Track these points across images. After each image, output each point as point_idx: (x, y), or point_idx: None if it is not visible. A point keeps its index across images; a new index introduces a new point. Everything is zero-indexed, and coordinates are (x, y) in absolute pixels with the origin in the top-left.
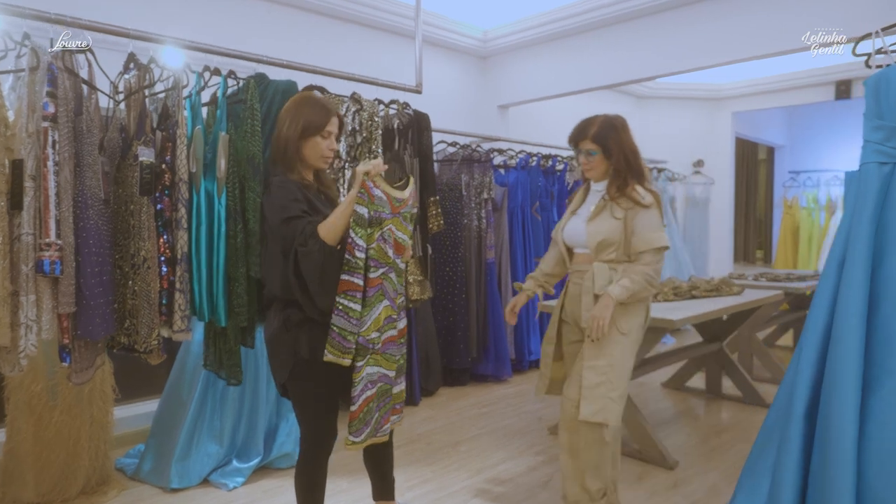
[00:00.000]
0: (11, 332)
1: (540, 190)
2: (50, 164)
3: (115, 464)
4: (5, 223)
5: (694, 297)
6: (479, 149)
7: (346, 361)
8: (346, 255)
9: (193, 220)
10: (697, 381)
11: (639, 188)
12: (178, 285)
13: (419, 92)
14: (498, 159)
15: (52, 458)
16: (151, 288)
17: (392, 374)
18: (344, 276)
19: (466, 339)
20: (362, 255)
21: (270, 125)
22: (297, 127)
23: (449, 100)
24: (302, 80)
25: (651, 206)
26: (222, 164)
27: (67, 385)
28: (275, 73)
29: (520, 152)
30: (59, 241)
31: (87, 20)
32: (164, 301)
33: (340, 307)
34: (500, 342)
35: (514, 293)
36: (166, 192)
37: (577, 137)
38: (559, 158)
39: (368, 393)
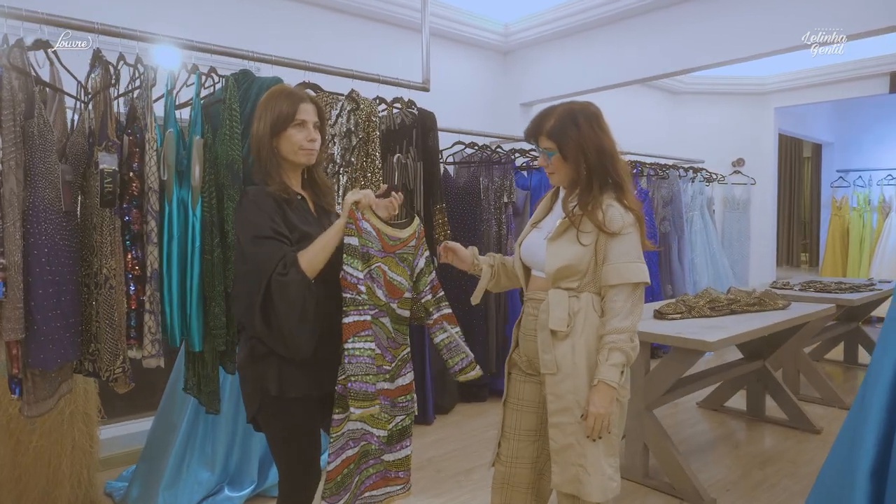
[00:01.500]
0: None
1: None
2: None
3: (105, 487)
4: None
5: (733, 311)
6: (499, 150)
7: (375, 408)
8: (347, 293)
9: (165, 234)
10: (737, 400)
11: (611, 205)
12: (147, 306)
13: (426, 89)
14: (520, 160)
15: (31, 485)
16: (115, 309)
17: (380, 433)
18: (350, 318)
19: (485, 352)
20: (364, 288)
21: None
22: (266, 123)
23: (467, 98)
24: (295, 78)
25: (623, 231)
26: (197, 171)
27: None
28: (266, 71)
29: (621, 153)
30: (3, 260)
31: (46, 13)
32: (132, 323)
33: (356, 352)
34: None
35: None
36: (134, 202)
37: (532, 132)
38: None
39: (349, 452)
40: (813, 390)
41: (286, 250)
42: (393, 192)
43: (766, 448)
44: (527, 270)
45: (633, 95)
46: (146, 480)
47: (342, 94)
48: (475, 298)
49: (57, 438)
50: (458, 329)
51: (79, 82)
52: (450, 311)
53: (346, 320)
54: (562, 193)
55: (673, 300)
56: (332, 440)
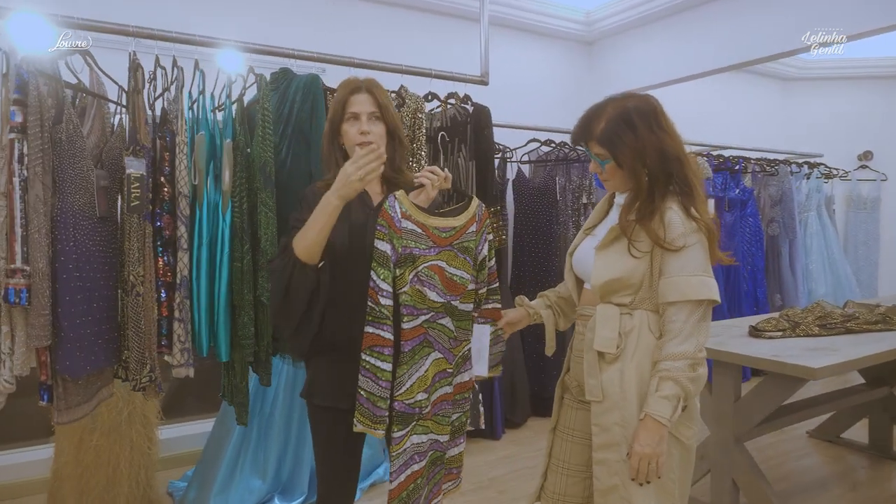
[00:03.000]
0: None
1: None
2: (16, 180)
3: (168, 485)
4: None
5: (849, 330)
6: (578, 147)
7: (380, 433)
8: (369, 302)
9: (196, 240)
10: (858, 431)
11: (670, 208)
12: (177, 313)
13: (484, 83)
14: None
15: (92, 483)
16: (142, 317)
17: (445, 438)
18: (368, 329)
19: (560, 363)
20: (388, 302)
21: (293, 128)
22: (327, 121)
23: (544, 93)
24: (339, 75)
25: (684, 241)
26: (227, 175)
27: (108, 405)
28: (305, 68)
29: (692, 155)
30: (27, 267)
31: (82, 18)
32: (164, 331)
33: (367, 366)
34: None
35: None
36: (166, 207)
37: (580, 136)
38: None
39: (416, 467)
40: None
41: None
42: (427, 173)
43: (895, 492)
44: (579, 282)
45: (735, 83)
46: (202, 483)
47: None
48: (549, 349)
49: (116, 438)
50: (496, 328)
51: (119, 87)
52: (498, 305)
53: (365, 329)
54: (618, 198)
55: (775, 314)
56: (392, 458)
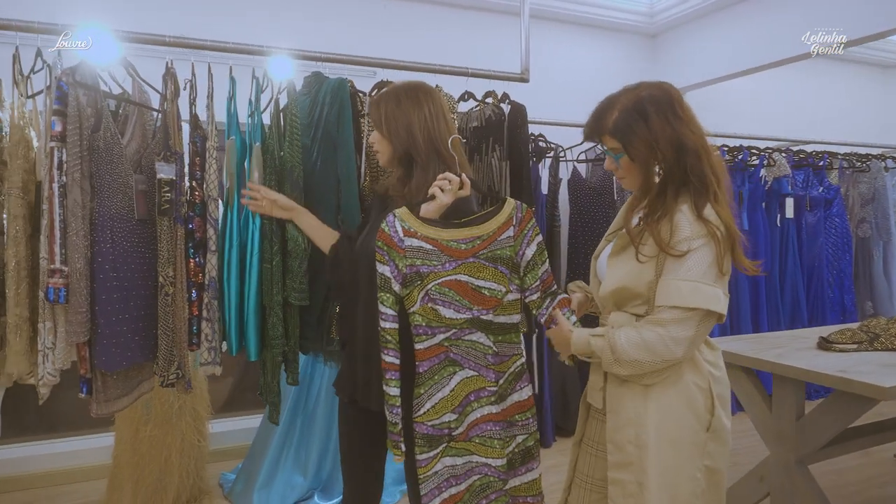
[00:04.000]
0: (30, 359)
1: None
2: (55, 186)
3: (220, 477)
4: (21, 247)
5: None
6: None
7: (398, 457)
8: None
9: (227, 242)
10: None
11: (681, 217)
12: (204, 313)
13: (525, 80)
14: None
15: (146, 471)
16: (170, 316)
17: (498, 462)
18: (382, 355)
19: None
20: (390, 326)
21: (322, 132)
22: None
23: (604, 88)
24: (390, 76)
25: (691, 250)
26: (256, 177)
27: (160, 399)
28: (338, 72)
29: (714, 148)
30: (65, 268)
31: (124, 30)
32: (194, 329)
33: (383, 394)
34: None
35: None
36: (198, 210)
37: (593, 130)
38: (752, 151)
39: (453, 491)
40: None
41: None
42: (439, 183)
43: None
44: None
45: (821, 73)
46: (248, 477)
47: None
48: None
49: (168, 430)
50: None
51: (161, 95)
52: (564, 295)
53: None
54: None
55: (853, 325)
56: (421, 481)
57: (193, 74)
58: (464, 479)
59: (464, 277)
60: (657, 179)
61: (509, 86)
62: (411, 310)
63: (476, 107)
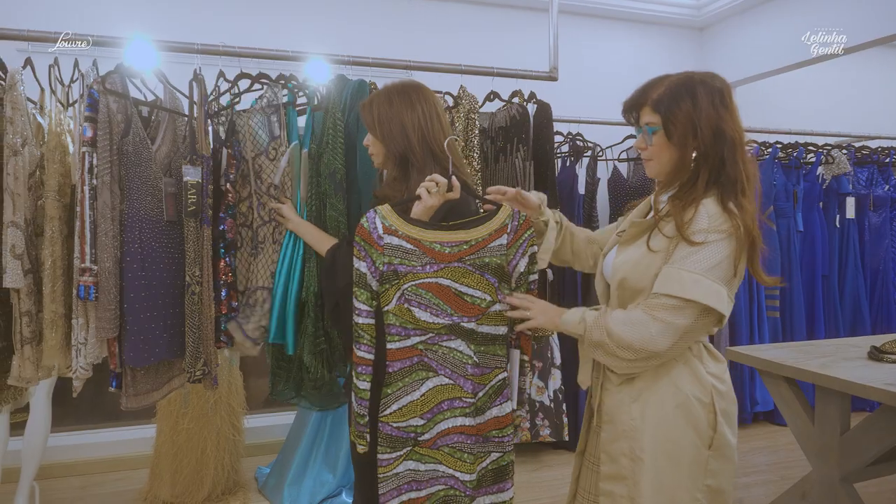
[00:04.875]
0: (66, 354)
1: (776, 190)
2: (86, 188)
3: (256, 471)
4: (57, 247)
5: None
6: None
7: (361, 448)
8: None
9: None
10: None
11: (704, 209)
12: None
13: (553, 79)
14: None
15: (184, 462)
16: (196, 314)
17: (468, 477)
18: (353, 346)
19: None
20: (364, 321)
21: (344, 135)
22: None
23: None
24: (423, 78)
25: (707, 242)
26: (303, 182)
27: (198, 393)
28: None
29: (748, 143)
30: (94, 267)
31: (157, 39)
32: (223, 327)
33: (351, 384)
34: None
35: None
36: (230, 211)
37: (634, 103)
38: (807, 148)
39: (413, 495)
40: None
41: None
42: (426, 184)
43: None
44: (609, 289)
45: (885, 62)
46: (280, 472)
47: (446, 93)
48: (542, 262)
49: (204, 424)
50: (525, 357)
51: (190, 100)
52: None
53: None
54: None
55: None
56: (381, 480)
57: (226, 80)
58: (425, 487)
59: (446, 281)
60: (691, 164)
61: (539, 85)
62: (386, 308)
63: (503, 106)
